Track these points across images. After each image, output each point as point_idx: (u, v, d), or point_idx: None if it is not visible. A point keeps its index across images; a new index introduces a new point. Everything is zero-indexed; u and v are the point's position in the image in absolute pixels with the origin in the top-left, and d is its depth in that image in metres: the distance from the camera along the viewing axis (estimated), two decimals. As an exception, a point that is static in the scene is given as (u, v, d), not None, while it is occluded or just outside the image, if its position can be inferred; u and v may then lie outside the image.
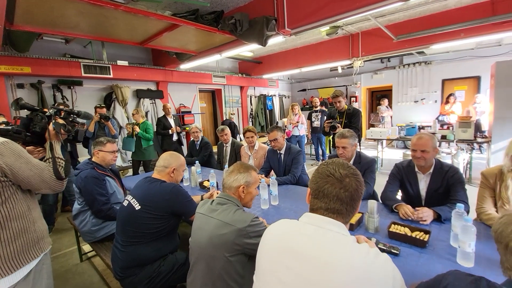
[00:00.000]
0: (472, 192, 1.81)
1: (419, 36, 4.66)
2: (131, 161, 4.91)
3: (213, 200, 1.34)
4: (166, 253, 1.61)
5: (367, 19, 4.74)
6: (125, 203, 1.63)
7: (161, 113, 5.65)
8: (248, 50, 6.00)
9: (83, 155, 4.60)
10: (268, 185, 1.99)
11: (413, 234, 1.37)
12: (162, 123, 5.06)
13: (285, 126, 6.53)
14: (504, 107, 3.67)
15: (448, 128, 4.80)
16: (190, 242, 1.30)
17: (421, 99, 7.38)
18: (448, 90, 6.86)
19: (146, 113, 5.70)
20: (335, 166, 0.85)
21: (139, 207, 1.54)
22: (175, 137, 5.20)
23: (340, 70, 6.41)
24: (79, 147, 4.30)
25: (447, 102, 6.29)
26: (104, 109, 4.08)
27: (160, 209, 1.54)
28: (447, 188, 1.77)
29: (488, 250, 1.23)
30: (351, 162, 2.22)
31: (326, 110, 6.20)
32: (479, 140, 4.18)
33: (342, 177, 0.81)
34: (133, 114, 4.48)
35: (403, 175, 1.95)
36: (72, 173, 3.34)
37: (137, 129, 4.34)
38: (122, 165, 5.27)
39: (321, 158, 6.20)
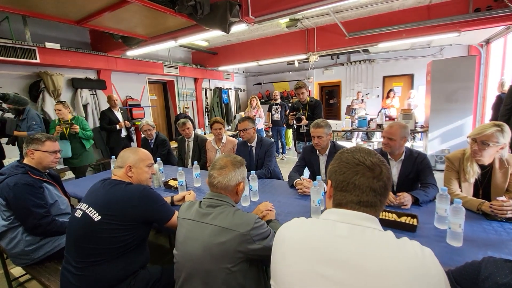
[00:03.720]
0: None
1: (368, 34, 5.01)
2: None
3: (200, 202, 1.13)
4: (136, 269, 1.33)
5: (323, 14, 4.89)
6: (78, 214, 1.29)
7: (103, 106, 4.94)
8: (203, 38, 5.68)
9: (14, 157, 3.62)
10: (248, 180, 1.84)
11: (402, 219, 1.39)
12: (107, 116, 4.41)
13: None
14: (439, 100, 4.21)
15: (393, 119, 5.32)
16: (176, 255, 1.07)
17: (366, 94, 8.06)
18: (388, 86, 7.64)
19: (86, 105, 4.92)
20: (363, 154, 0.75)
21: (99, 217, 1.23)
22: (123, 133, 4.61)
23: (297, 64, 6.55)
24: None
25: (387, 96, 7.00)
26: None
27: (127, 218, 1.25)
28: (417, 173, 1.88)
29: (469, 229, 1.30)
30: (327, 151, 2.22)
31: (285, 103, 6.28)
32: (418, 129, 4.74)
33: (373, 165, 0.72)
34: (58, 110, 3.38)
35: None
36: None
37: (77, 129, 3.44)
38: (57, 168, 4.45)
39: (281, 151, 6.27)
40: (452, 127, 4.19)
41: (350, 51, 7.38)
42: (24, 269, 1.78)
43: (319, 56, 6.80)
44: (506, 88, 4.63)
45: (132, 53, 5.09)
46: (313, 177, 2.30)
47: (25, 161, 1.75)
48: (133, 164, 1.42)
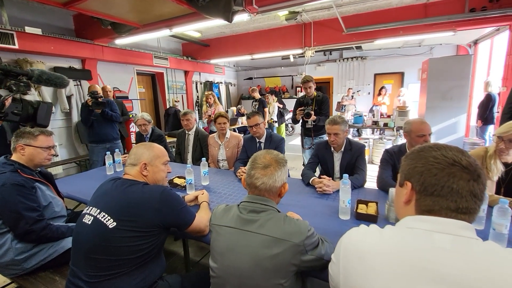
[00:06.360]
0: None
1: (366, 31, 4.99)
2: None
3: (238, 206, 0.99)
4: (154, 279, 1.18)
5: (322, 8, 4.81)
6: (87, 220, 1.12)
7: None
8: (198, 29, 5.44)
9: None
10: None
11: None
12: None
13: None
14: (435, 98, 4.28)
15: (389, 116, 5.38)
16: (215, 268, 0.93)
17: (357, 91, 8.13)
18: (379, 83, 7.75)
19: (69, 97, 4.56)
20: (455, 152, 0.65)
21: (114, 223, 1.07)
22: None
23: (292, 59, 6.45)
24: None
25: (379, 94, 7.09)
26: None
27: (148, 223, 1.10)
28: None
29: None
30: (342, 149, 2.14)
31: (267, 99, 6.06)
32: (413, 127, 4.81)
33: (471, 166, 0.63)
34: None
35: (395, 161, 1.96)
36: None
37: None
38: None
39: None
40: (446, 124, 4.29)
41: (343, 47, 7.39)
42: (13, 279, 1.57)
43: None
44: (491, 88, 4.80)
45: (121, 41, 4.78)
46: (326, 174, 2.22)
47: (14, 157, 1.53)
48: (148, 162, 1.25)
